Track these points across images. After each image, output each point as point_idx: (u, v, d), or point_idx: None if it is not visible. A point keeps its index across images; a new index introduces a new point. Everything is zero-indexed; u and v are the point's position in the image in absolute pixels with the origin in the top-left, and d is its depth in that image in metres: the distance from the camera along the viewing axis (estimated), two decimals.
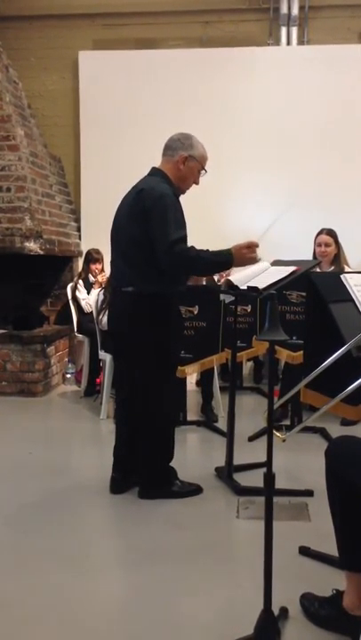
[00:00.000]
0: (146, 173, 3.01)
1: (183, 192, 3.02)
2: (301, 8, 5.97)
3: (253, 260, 2.87)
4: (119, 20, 6.20)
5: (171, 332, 3.01)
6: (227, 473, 3.21)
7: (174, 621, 2.03)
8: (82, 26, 6.25)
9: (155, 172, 2.98)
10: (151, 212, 2.76)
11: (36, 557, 2.45)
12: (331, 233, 4.48)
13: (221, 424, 4.11)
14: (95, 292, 5.03)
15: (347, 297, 2.03)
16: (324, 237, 4.46)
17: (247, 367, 5.86)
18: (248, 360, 5.43)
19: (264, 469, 1.88)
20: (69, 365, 5.67)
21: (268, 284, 2.75)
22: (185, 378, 4.22)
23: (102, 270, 5.38)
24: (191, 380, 4.97)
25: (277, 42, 6.06)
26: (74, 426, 4.41)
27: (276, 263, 3.07)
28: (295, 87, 5.88)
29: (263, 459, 1.95)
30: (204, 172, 3.02)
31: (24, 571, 2.34)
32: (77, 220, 6.32)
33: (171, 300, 2.96)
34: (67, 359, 5.76)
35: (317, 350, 2.05)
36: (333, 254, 4.45)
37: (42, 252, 5.15)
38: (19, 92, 5.88)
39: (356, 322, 1.94)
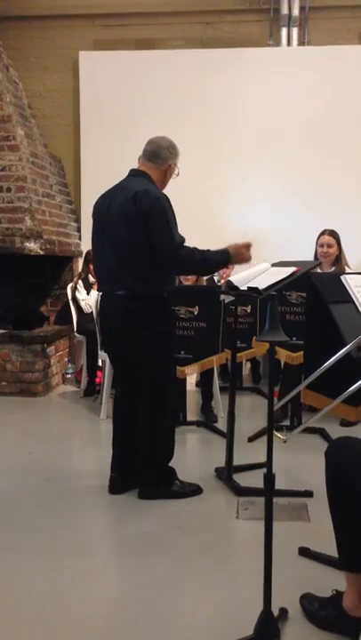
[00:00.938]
0: None
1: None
2: (302, 9, 5.98)
3: (250, 259, 2.99)
4: (119, 21, 6.20)
5: (168, 331, 3.01)
6: (226, 473, 3.20)
7: (174, 622, 2.03)
8: (82, 26, 6.25)
9: (139, 173, 2.99)
10: (150, 215, 2.78)
11: (35, 557, 2.45)
12: (333, 234, 4.49)
13: (221, 424, 4.11)
14: (95, 292, 5.03)
15: (347, 298, 2.03)
16: (327, 238, 4.47)
17: (247, 368, 5.86)
18: (247, 361, 5.44)
19: (264, 470, 1.88)
20: (69, 365, 5.67)
21: (269, 284, 2.75)
22: (185, 378, 4.22)
23: None
24: (191, 380, 4.97)
25: (278, 42, 6.07)
26: (73, 426, 4.41)
27: (277, 264, 3.08)
28: (295, 88, 5.88)
29: (263, 459, 1.95)
30: (177, 173, 3.08)
31: (23, 571, 2.34)
32: (77, 221, 6.33)
33: (165, 299, 2.97)
34: (66, 359, 5.77)
35: (318, 351, 2.05)
36: (335, 255, 4.46)
37: (42, 252, 5.15)
38: (19, 92, 5.89)
39: (357, 323, 1.94)
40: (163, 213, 2.81)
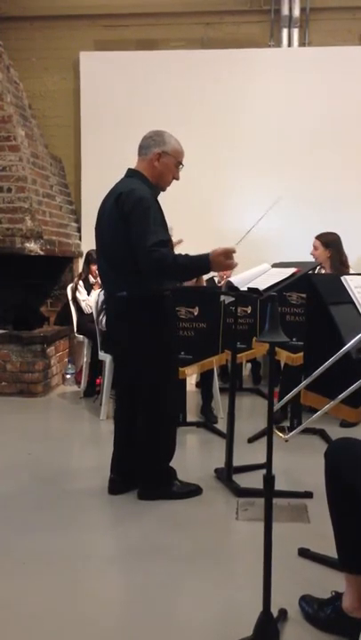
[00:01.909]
0: None
1: (163, 189, 2.99)
2: (302, 10, 5.98)
3: (231, 266, 2.75)
4: (120, 21, 6.20)
5: (169, 332, 3.01)
6: (226, 474, 3.20)
7: (173, 623, 2.03)
8: (83, 26, 6.25)
9: (131, 173, 2.96)
10: (130, 215, 2.74)
11: (34, 558, 2.44)
12: (320, 237, 4.48)
13: (221, 425, 4.11)
14: (95, 292, 5.03)
15: (347, 299, 2.03)
16: (314, 241, 4.50)
17: (247, 368, 5.86)
18: (247, 362, 5.44)
19: (264, 471, 1.88)
20: (69, 366, 5.67)
21: (269, 285, 2.75)
22: (185, 379, 4.22)
23: None
24: (191, 381, 4.97)
25: (278, 43, 6.07)
26: (73, 426, 4.41)
27: (277, 265, 3.08)
28: (296, 88, 5.88)
29: (263, 460, 1.95)
30: (181, 166, 2.99)
31: (23, 571, 2.34)
32: (78, 221, 6.33)
33: (164, 299, 2.95)
34: (66, 360, 5.77)
35: (317, 352, 2.05)
36: (324, 258, 4.43)
37: (42, 253, 5.15)
38: (20, 92, 5.89)
39: (357, 324, 1.93)
40: (142, 213, 2.71)
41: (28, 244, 5.06)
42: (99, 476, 3.20)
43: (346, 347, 1.85)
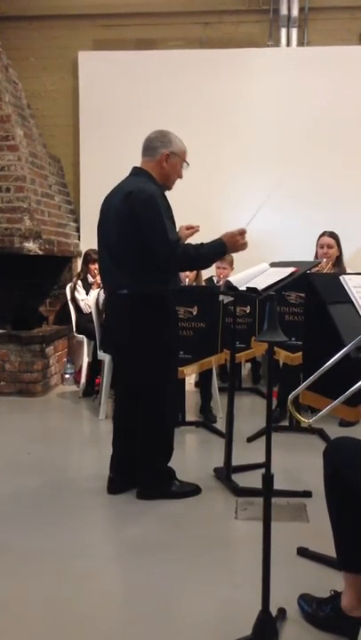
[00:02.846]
0: None
1: (169, 188, 3.01)
2: (301, 9, 5.98)
3: (245, 246, 2.91)
4: (119, 21, 6.20)
5: (170, 331, 3.01)
6: (225, 474, 3.21)
7: (172, 622, 2.03)
8: (82, 26, 6.25)
9: (138, 171, 2.97)
10: (143, 214, 2.76)
11: (34, 557, 2.45)
12: (333, 235, 4.50)
13: (220, 425, 4.11)
14: (94, 292, 5.03)
15: (346, 298, 2.03)
16: (327, 239, 4.48)
17: (246, 368, 5.86)
18: (246, 361, 5.44)
19: (263, 470, 1.88)
20: (68, 365, 5.67)
21: (268, 284, 2.75)
22: (184, 378, 4.22)
23: None
24: (190, 380, 4.97)
25: (277, 43, 6.07)
26: (72, 426, 4.41)
27: (275, 264, 3.07)
28: (295, 88, 5.88)
29: (262, 459, 1.95)
30: (186, 165, 3.01)
31: (22, 570, 2.34)
32: (76, 221, 6.33)
33: (166, 299, 2.96)
34: (65, 359, 5.76)
35: (316, 352, 2.05)
36: (335, 257, 4.46)
37: (41, 253, 5.15)
38: (18, 91, 5.89)
39: (356, 323, 1.93)
40: (156, 212, 2.76)
41: (26, 244, 5.05)
42: (98, 476, 3.20)
43: (346, 348, 1.85)
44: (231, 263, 5.00)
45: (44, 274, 5.95)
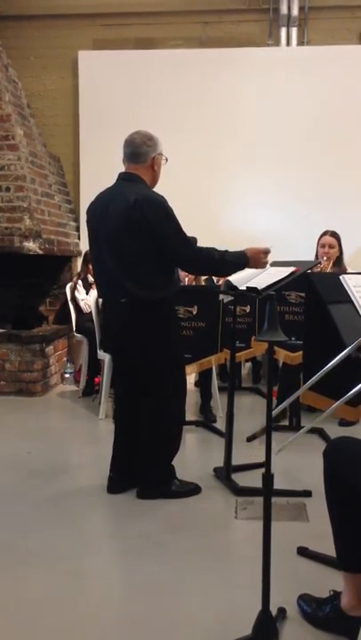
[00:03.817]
0: None
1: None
2: (301, 9, 5.98)
3: (265, 265, 2.95)
4: (119, 20, 6.20)
5: (174, 334, 3.01)
6: (225, 473, 3.21)
7: (172, 621, 2.03)
8: (82, 25, 6.25)
9: (131, 177, 2.93)
10: (158, 224, 2.76)
11: (33, 557, 2.44)
12: (335, 235, 4.50)
13: (220, 424, 4.11)
14: (94, 292, 5.02)
15: (346, 298, 2.03)
16: (328, 239, 4.48)
17: (246, 368, 5.86)
18: (247, 361, 5.44)
19: (263, 470, 1.88)
20: (68, 365, 5.67)
21: (268, 284, 2.75)
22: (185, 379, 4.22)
23: None
24: (190, 380, 4.97)
25: (277, 42, 6.07)
26: (72, 425, 4.41)
27: (276, 264, 3.07)
28: (295, 87, 5.88)
29: (262, 459, 1.95)
30: (165, 160, 3.01)
31: (22, 570, 2.34)
32: (76, 220, 6.33)
33: (170, 303, 2.96)
34: (65, 359, 5.76)
35: (317, 351, 2.05)
36: (336, 257, 4.46)
37: (41, 252, 5.15)
38: (18, 91, 5.88)
39: (356, 323, 1.94)
40: (171, 218, 2.80)
41: (26, 244, 5.05)
42: (98, 475, 3.20)
43: (347, 349, 1.85)
44: None
45: (44, 273, 5.95)
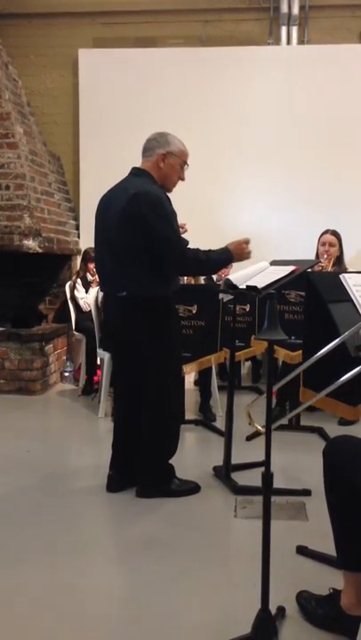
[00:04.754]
0: None
1: (169, 190, 2.97)
2: (302, 7, 5.97)
3: (249, 255, 2.97)
4: (119, 19, 6.19)
5: (173, 331, 3.01)
6: (225, 472, 3.21)
7: (171, 620, 2.03)
8: (82, 24, 6.24)
9: (139, 172, 2.94)
10: (152, 216, 2.73)
11: (33, 555, 2.44)
12: (335, 234, 4.50)
13: (219, 423, 4.11)
14: (93, 290, 5.02)
15: (346, 297, 2.03)
16: (329, 237, 4.48)
17: (245, 367, 5.86)
18: (246, 360, 5.44)
19: (262, 469, 1.88)
20: (67, 364, 5.67)
21: (268, 283, 2.75)
22: (183, 377, 4.21)
23: None
24: (189, 379, 4.97)
25: (277, 41, 6.06)
26: (72, 424, 4.41)
27: (275, 263, 3.07)
28: (295, 86, 5.88)
29: (261, 458, 1.95)
30: (186, 166, 2.99)
31: (22, 569, 2.34)
32: (76, 219, 6.32)
33: (168, 301, 2.95)
34: (65, 357, 5.76)
35: (316, 350, 2.05)
36: (336, 256, 4.46)
37: (40, 251, 5.14)
38: (18, 89, 5.88)
39: (355, 322, 1.94)
40: (163, 214, 2.76)
41: (26, 242, 5.05)
42: (97, 474, 3.20)
43: (341, 337, 1.85)
44: None
45: (44, 272, 5.94)
